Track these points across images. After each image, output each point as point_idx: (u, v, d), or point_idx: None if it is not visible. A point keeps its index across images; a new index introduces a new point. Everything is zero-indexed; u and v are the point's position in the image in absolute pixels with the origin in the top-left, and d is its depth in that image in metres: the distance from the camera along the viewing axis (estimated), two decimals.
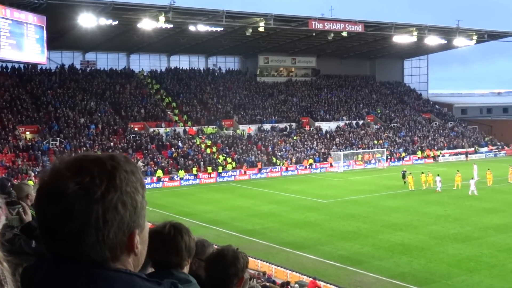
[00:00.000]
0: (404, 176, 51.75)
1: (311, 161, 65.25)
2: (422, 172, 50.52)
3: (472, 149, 78.17)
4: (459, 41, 76.60)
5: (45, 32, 50.24)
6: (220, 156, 61.97)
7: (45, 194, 1.52)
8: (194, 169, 58.19)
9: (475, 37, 76.86)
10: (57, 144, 56.12)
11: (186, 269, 3.25)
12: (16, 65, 64.57)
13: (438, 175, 48.68)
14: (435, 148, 76.27)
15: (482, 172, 51.87)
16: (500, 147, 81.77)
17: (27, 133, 57.31)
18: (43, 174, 1.56)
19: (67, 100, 64.05)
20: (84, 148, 56.00)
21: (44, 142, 55.68)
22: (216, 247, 4.13)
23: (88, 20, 54.35)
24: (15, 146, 54.00)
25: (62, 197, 1.47)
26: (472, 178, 47.40)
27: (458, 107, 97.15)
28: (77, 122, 60.91)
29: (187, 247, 3.21)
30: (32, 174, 49.11)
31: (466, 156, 74.73)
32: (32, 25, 49.02)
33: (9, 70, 65.47)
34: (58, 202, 1.48)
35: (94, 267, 1.51)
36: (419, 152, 73.20)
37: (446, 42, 77.14)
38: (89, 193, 1.47)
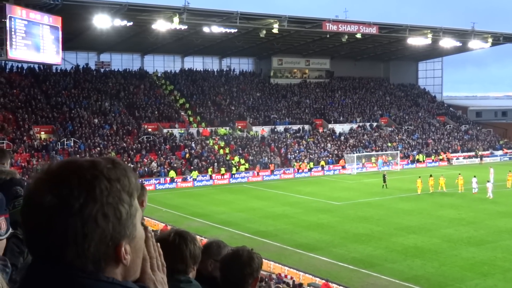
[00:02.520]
0: (384, 180, 51.59)
1: (322, 163, 65.03)
2: (431, 175, 50.00)
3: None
4: (474, 43, 76.10)
5: (60, 32, 50.50)
6: (234, 158, 62.00)
7: (26, 205, 1.47)
8: (210, 170, 58.35)
9: (490, 40, 76.34)
10: (72, 144, 56.51)
11: (191, 275, 3.27)
12: (32, 66, 65.07)
13: (475, 176, 48.28)
14: (450, 151, 75.75)
15: (501, 175, 51.35)
16: None
17: (42, 133, 57.76)
18: (29, 183, 1.52)
19: (82, 100, 64.47)
20: (98, 149, 56.36)
21: (59, 142, 56.09)
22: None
23: (103, 21, 54.69)
24: (30, 146, 54.41)
25: (40, 209, 1.42)
26: (488, 181, 46.92)
27: (473, 110, 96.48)
28: (91, 122, 61.26)
29: (192, 254, 3.24)
30: None
31: (481, 159, 74.18)
32: (47, 26, 49.30)
33: (24, 71, 66.03)
34: (38, 215, 1.43)
35: (75, 273, 1.44)
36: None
37: (461, 44, 76.63)
38: (66, 206, 1.41)
